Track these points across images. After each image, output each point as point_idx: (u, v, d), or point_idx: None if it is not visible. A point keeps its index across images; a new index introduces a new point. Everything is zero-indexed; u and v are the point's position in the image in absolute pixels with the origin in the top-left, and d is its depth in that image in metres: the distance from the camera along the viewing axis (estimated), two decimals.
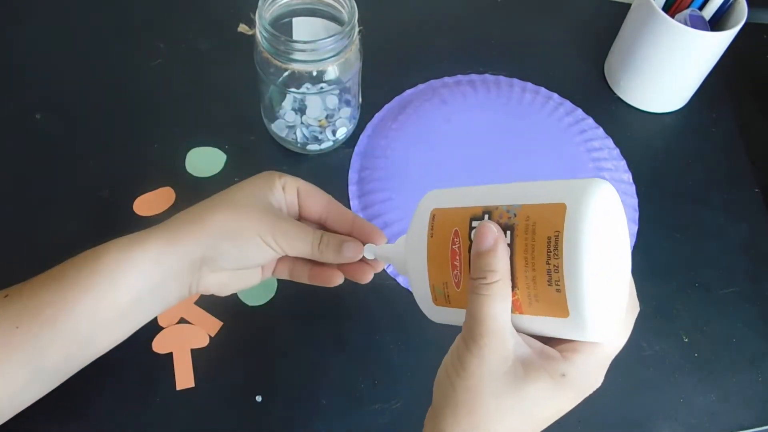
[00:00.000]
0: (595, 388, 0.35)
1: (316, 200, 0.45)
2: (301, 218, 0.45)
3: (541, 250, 0.32)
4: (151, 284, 0.41)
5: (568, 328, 0.33)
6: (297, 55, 0.54)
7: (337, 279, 0.45)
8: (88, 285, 0.40)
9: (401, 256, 0.40)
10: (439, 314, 0.38)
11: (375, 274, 0.46)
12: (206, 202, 0.43)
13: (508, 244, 0.33)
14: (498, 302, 0.33)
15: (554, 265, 0.31)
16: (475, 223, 0.35)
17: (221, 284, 0.44)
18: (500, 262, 0.33)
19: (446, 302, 0.37)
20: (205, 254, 0.41)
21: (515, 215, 0.33)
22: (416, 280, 0.38)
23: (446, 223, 0.36)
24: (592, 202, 0.31)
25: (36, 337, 0.39)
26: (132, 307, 0.41)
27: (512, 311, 0.34)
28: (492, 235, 0.33)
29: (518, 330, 0.34)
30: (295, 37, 0.58)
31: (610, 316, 0.33)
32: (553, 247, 0.31)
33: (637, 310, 0.37)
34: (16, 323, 0.39)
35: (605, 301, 0.32)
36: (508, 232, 0.33)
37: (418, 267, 0.38)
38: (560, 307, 0.32)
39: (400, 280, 0.58)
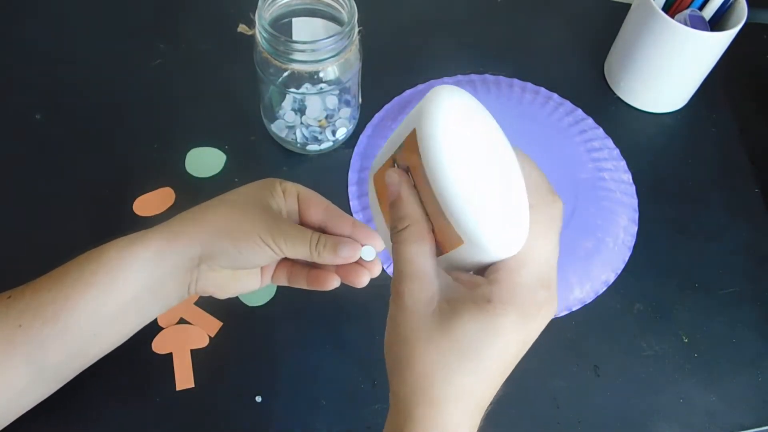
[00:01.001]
0: (540, 305, 0.31)
1: (316, 206, 0.45)
2: (301, 223, 0.45)
3: (424, 181, 0.30)
4: (150, 282, 0.41)
5: (475, 252, 0.30)
6: (297, 56, 0.54)
7: (334, 282, 0.45)
8: (89, 283, 0.40)
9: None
10: None
11: None
12: (207, 203, 0.43)
13: (415, 186, 0.31)
14: (411, 246, 0.31)
15: (434, 193, 0.29)
16: None
17: (220, 285, 0.44)
18: (406, 206, 0.31)
19: None
20: (204, 252, 0.42)
21: (404, 156, 0.31)
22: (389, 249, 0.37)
23: (382, 184, 0.35)
24: (434, 117, 0.29)
25: (38, 336, 0.40)
26: (133, 305, 0.42)
27: (439, 253, 0.32)
28: (394, 183, 0.32)
29: (452, 269, 0.32)
30: (294, 38, 0.58)
31: (506, 224, 0.29)
32: (425, 174, 0.29)
33: (558, 204, 0.33)
34: (19, 322, 0.40)
35: (491, 211, 0.29)
36: (410, 174, 0.31)
37: (385, 237, 0.36)
38: (457, 234, 0.29)
39: None
